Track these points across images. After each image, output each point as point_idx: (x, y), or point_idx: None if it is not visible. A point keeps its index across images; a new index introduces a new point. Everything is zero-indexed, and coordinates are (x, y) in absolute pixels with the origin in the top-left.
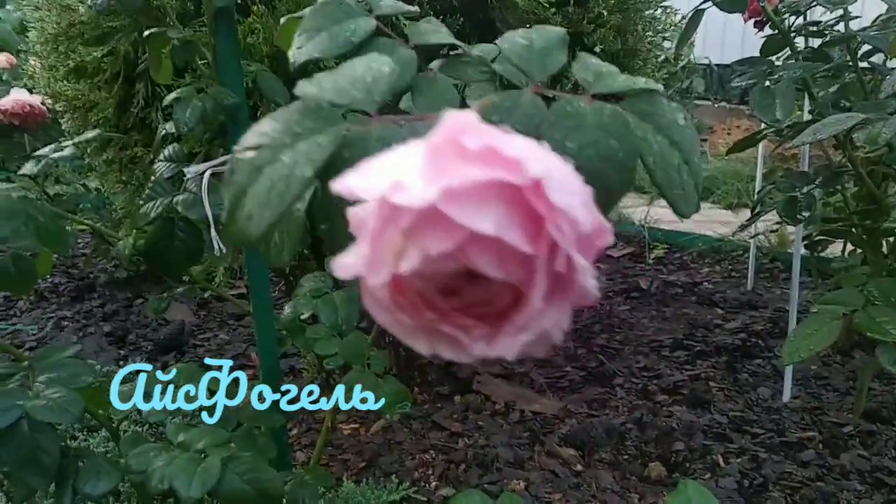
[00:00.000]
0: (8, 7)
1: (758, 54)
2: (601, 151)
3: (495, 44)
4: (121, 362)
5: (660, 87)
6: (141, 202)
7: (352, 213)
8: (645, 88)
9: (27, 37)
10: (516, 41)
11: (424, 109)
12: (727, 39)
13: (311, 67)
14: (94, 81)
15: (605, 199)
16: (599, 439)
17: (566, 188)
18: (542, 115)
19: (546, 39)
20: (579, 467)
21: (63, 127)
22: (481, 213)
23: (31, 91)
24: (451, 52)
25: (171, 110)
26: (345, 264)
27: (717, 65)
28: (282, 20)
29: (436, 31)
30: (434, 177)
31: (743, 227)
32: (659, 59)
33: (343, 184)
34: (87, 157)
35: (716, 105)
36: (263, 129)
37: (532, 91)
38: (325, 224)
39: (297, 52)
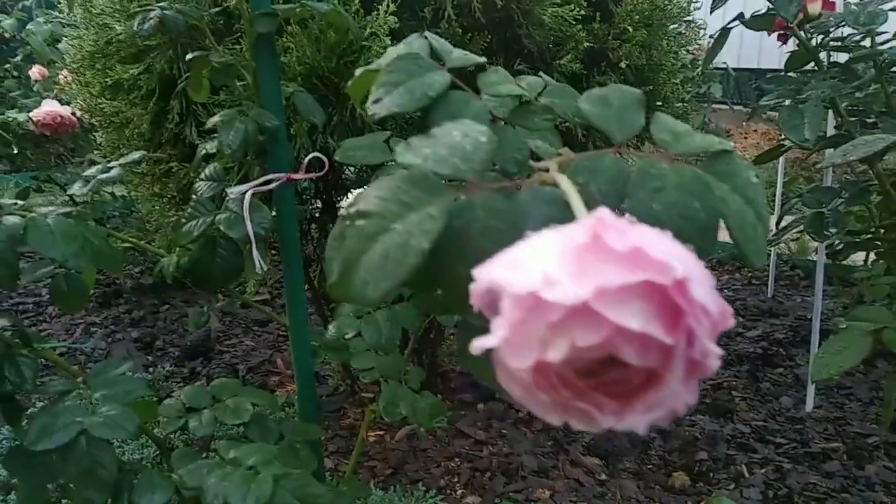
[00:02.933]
0: (39, 19)
1: (774, 58)
2: (684, 212)
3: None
4: (150, 368)
5: (732, 145)
6: (183, 219)
7: (477, 289)
8: (721, 149)
9: (57, 48)
10: (594, 99)
11: (498, 159)
12: (744, 45)
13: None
14: (131, 98)
15: None
16: (623, 448)
17: (701, 282)
18: (625, 176)
19: (623, 99)
20: (603, 476)
21: (98, 141)
22: (629, 310)
23: (62, 102)
24: (521, 99)
25: (207, 126)
26: (483, 345)
27: (734, 69)
28: (356, 72)
29: (505, 82)
30: (580, 274)
31: (769, 243)
32: (677, 66)
33: (488, 275)
34: None
35: (733, 109)
36: (368, 197)
37: (613, 151)
38: (430, 281)
39: (376, 106)
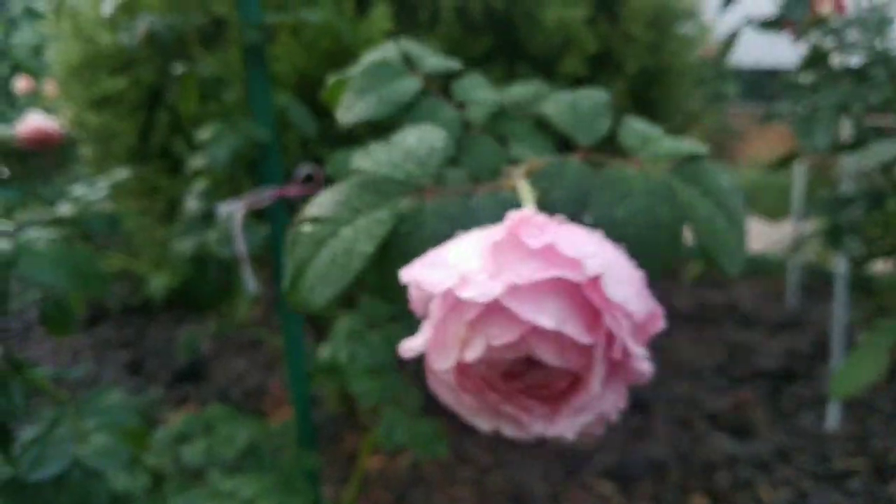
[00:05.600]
0: (24, 29)
1: (790, 55)
2: (650, 218)
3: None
4: (139, 392)
5: (704, 149)
6: (175, 238)
7: (412, 292)
8: (691, 153)
9: (42, 59)
10: (561, 104)
11: (471, 167)
12: (757, 43)
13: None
14: (117, 111)
15: (654, 265)
16: (639, 471)
17: (622, 281)
18: (589, 181)
19: (592, 103)
20: (618, 501)
21: (84, 155)
22: (542, 308)
23: (47, 111)
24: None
25: (196, 139)
26: (411, 348)
27: (749, 67)
28: (329, 80)
29: (480, 87)
30: (497, 272)
31: (787, 256)
32: (687, 68)
33: (410, 274)
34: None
35: (747, 110)
36: (323, 203)
37: (579, 157)
38: (378, 282)
39: (346, 113)
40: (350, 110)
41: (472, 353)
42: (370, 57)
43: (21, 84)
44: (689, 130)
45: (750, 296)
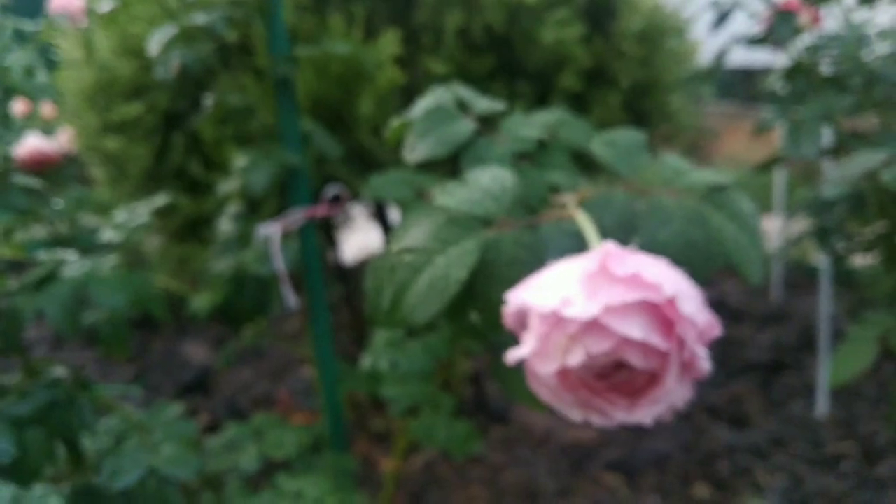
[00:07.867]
0: (16, 50)
1: (764, 56)
2: (687, 241)
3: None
4: (149, 405)
5: (728, 179)
6: (212, 258)
7: (509, 310)
8: (718, 184)
9: (36, 81)
10: (604, 142)
11: (524, 196)
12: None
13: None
14: (132, 135)
15: (693, 279)
16: (643, 463)
17: (689, 298)
18: (633, 209)
19: (629, 142)
20: (625, 492)
21: (96, 177)
22: (631, 323)
23: (45, 133)
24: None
25: (215, 162)
26: (516, 355)
27: (724, 67)
28: (393, 123)
29: (525, 124)
30: (592, 295)
31: (776, 253)
32: (675, 80)
33: (518, 296)
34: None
35: (723, 108)
36: (415, 236)
37: (623, 188)
38: (463, 307)
39: (410, 153)
40: (414, 150)
41: (574, 360)
42: (426, 101)
43: (18, 106)
44: (675, 135)
45: (737, 292)
